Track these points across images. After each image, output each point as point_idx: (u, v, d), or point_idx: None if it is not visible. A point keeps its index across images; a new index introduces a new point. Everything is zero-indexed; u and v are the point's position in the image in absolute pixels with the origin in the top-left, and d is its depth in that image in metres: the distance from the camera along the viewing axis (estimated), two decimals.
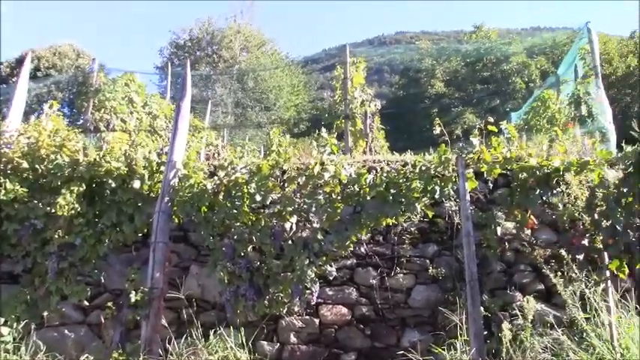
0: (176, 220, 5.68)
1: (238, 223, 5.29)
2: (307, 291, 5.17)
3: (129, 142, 6.32)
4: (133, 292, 5.13)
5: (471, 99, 39.90)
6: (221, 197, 5.32)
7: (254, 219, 5.35)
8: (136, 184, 5.51)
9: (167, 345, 5.28)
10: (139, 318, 5.15)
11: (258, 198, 5.24)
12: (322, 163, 5.18)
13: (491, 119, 5.29)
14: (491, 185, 6.06)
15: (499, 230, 5.49)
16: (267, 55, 39.02)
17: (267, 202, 5.31)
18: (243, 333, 5.32)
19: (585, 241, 5.08)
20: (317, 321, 5.73)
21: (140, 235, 5.73)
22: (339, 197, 5.23)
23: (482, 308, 5.16)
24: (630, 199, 5.07)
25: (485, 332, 5.08)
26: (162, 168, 5.61)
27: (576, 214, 5.52)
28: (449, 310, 5.39)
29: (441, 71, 43.15)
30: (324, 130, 5.39)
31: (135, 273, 5.32)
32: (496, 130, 5.28)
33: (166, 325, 5.43)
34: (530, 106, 10.86)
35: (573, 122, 8.45)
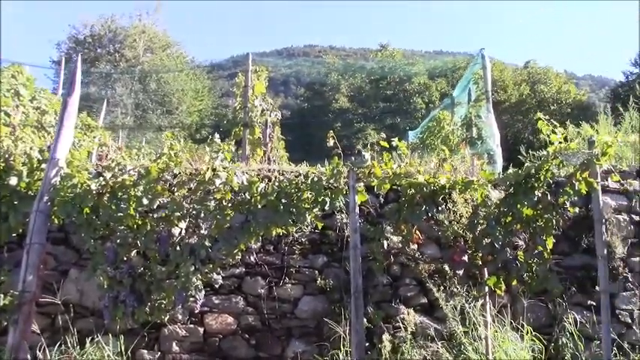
0: (56, 221, 5.41)
1: (122, 227, 5.10)
2: (191, 298, 5.07)
3: (9, 136, 5.96)
4: (1, 296, 4.83)
5: (373, 115, 40.99)
6: (106, 199, 5.12)
7: (140, 223, 5.19)
8: (13, 180, 5.20)
9: (38, 353, 5.02)
10: (6, 324, 4.85)
11: (145, 201, 5.09)
12: (214, 169, 5.11)
13: (383, 135, 5.43)
14: (382, 200, 6.22)
15: (385, 244, 5.63)
16: (172, 57, 38.13)
17: (155, 206, 5.16)
18: (122, 341, 5.15)
19: (465, 258, 5.29)
20: (201, 330, 5.64)
21: (15, 235, 5.41)
22: (229, 204, 5.17)
23: (365, 320, 5.26)
24: (510, 218, 5.34)
25: (368, 344, 5.18)
26: (44, 165, 5.33)
27: (460, 231, 5.77)
28: (335, 321, 5.47)
29: (346, 86, 44.12)
30: (217, 135, 5.32)
31: (5, 275, 5.02)
32: (388, 146, 5.42)
33: (39, 331, 5.16)
34: (427, 126, 11.28)
35: (464, 143, 8.85)
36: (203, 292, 5.15)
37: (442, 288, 5.83)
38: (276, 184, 5.26)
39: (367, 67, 44.56)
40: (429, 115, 15.19)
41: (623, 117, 11.10)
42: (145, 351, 5.48)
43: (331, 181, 5.33)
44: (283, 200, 5.19)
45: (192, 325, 5.63)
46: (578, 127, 10.26)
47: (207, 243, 5.06)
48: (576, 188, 5.14)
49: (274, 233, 5.31)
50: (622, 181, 6.52)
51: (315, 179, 5.28)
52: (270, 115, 8.99)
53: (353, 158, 5.36)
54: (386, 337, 5.06)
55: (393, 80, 42.10)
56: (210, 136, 5.49)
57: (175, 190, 5.26)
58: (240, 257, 5.57)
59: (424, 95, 39.86)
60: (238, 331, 5.66)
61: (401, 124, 36.57)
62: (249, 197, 5.21)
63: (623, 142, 9.29)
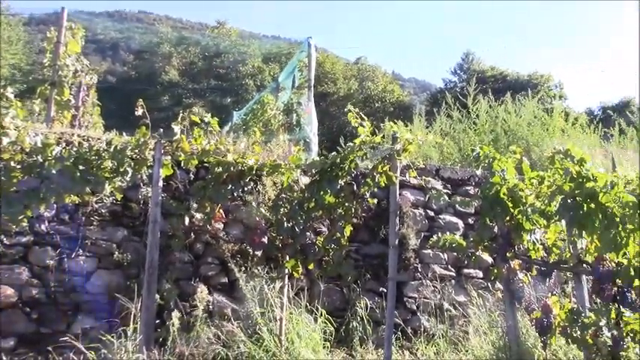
0: None
1: None
2: None
3: None
4: None
5: (203, 92, 40.43)
6: None
7: None
8: None
9: None
10: None
11: None
12: (2, 126, 4.70)
13: (191, 110, 5.35)
14: (192, 176, 6.13)
15: (187, 221, 5.57)
16: None
17: None
18: None
19: (265, 239, 5.39)
20: None
21: None
22: (18, 166, 4.79)
23: (161, 297, 5.18)
24: (313, 204, 5.52)
25: (159, 321, 5.10)
26: None
27: (267, 214, 5.87)
28: (129, 297, 5.30)
29: (178, 59, 43.01)
30: (9, 90, 4.89)
31: None
32: (199, 122, 5.35)
33: None
34: (251, 108, 11.33)
35: (284, 128, 9.02)
36: None
37: (244, 268, 5.90)
38: (74, 149, 4.97)
39: (202, 43, 43.80)
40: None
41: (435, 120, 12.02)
42: None
43: (136, 151, 5.15)
44: (81, 167, 4.91)
45: None
46: (394, 124, 10.92)
47: None
48: (376, 180, 5.44)
49: (69, 201, 5.02)
50: (421, 178, 7.05)
51: (119, 148, 5.07)
52: (85, 78, 8.47)
53: (161, 130, 5.22)
54: (175, 314, 5.00)
55: (227, 59, 41.79)
56: (21, 94, 5.03)
57: None
58: (27, 225, 5.17)
59: (257, 78, 39.99)
60: (18, 304, 5.27)
61: (231, 104, 36.42)
62: (42, 160, 4.86)
63: (430, 144, 10.09)
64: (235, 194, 5.49)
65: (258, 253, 5.44)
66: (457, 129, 11.22)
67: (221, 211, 5.62)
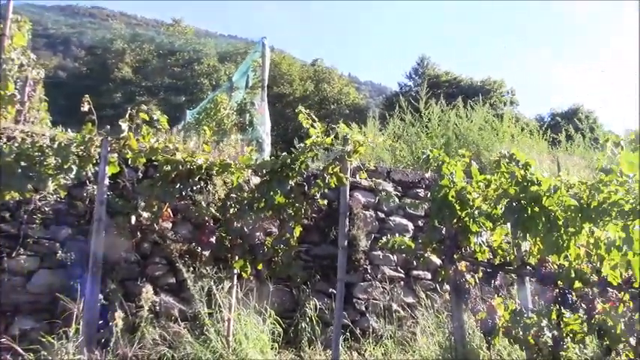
0: None
1: None
2: None
3: None
4: None
5: (157, 91, 39.88)
6: None
7: None
8: None
9: None
10: None
11: None
12: None
13: (142, 109, 5.26)
14: (141, 174, 6.03)
15: (134, 219, 5.49)
16: None
17: None
18: None
19: (213, 239, 5.34)
20: None
21: None
22: None
23: (102, 297, 5.08)
24: (262, 204, 5.50)
25: (102, 321, 5.00)
26: None
27: (217, 214, 5.82)
28: (72, 297, 5.17)
29: (132, 56, 42.33)
30: None
31: None
32: (148, 119, 5.27)
33: None
34: (204, 107, 11.24)
35: (237, 128, 8.98)
36: None
37: (192, 269, 5.83)
38: (16, 144, 4.83)
39: (157, 40, 43.23)
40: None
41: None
42: None
43: (82, 148, 5.04)
44: (23, 163, 4.78)
45: None
46: (348, 126, 10.97)
47: None
48: (327, 181, 5.46)
49: (9, 198, 4.87)
50: (372, 179, 7.10)
51: (63, 144, 4.95)
52: (31, 72, 8.24)
53: (109, 127, 5.12)
54: (119, 315, 4.90)
55: (182, 57, 41.34)
56: None
57: None
58: None
59: (212, 77, 39.63)
60: None
61: (185, 103, 36.04)
62: None
63: (383, 146, 10.18)
64: (184, 193, 5.42)
65: (206, 252, 5.39)
66: (410, 132, 11.36)
67: (169, 210, 5.55)
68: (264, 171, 5.53)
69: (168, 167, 5.32)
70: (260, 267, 5.60)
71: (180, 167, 5.31)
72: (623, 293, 4.46)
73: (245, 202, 5.44)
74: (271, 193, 5.40)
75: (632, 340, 4.30)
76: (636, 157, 4.56)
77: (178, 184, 5.32)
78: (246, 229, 5.36)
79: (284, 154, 5.44)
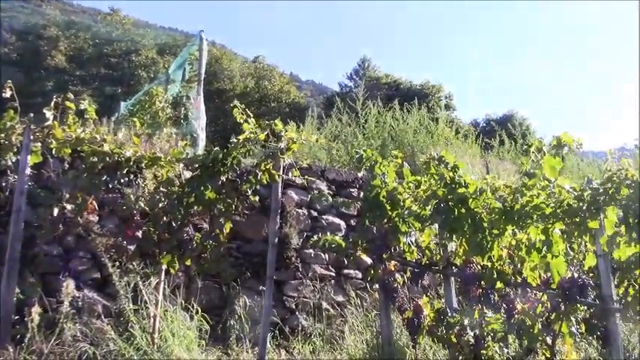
0: None
1: None
2: None
3: None
4: None
5: (92, 81, 38.85)
6: None
7: None
8: None
9: None
10: None
11: None
12: None
13: (69, 97, 5.12)
14: (67, 165, 5.85)
15: (56, 211, 5.31)
16: None
17: None
18: None
19: (139, 233, 5.24)
20: None
21: None
22: None
23: (19, 291, 4.91)
24: (192, 199, 5.43)
25: (18, 317, 4.84)
26: None
27: (145, 207, 5.71)
28: None
29: (66, 44, 41.07)
30: None
31: None
32: (74, 108, 5.13)
33: None
34: (139, 99, 11.01)
35: (171, 122, 8.84)
36: None
37: (118, 264, 5.70)
38: None
39: (93, 29, 42.08)
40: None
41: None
42: None
43: (2, 136, 4.86)
44: None
45: None
46: (285, 124, 11.00)
47: None
48: (259, 178, 5.45)
49: None
50: (304, 177, 7.11)
51: None
52: None
53: (32, 115, 4.95)
54: (36, 310, 4.75)
55: (119, 48, 40.39)
56: None
57: None
58: None
59: (150, 70, 38.75)
60: None
61: (121, 94, 35.19)
62: None
63: (320, 146, 10.24)
64: (111, 186, 5.29)
65: (132, 247, 5.29)
66: (346, 133, 11.47)
67: (94, 202, 5.40)
68: (196, 165, 5.47)
69: (95, 158, 5.19)
70: (188, 263, 5.53)
71: (108, 159, 5.19)
72: (541, 294, 4.63)
73: (174, 196, 5.36)
74: (202, 188, 5.34)
75: (549, 339, 4.47)
76: (558, 162, 4.76)
77: (105, 176, 5.19)
78: (174, 224, 5.29)
79: (216, 148, 5.40)
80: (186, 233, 5.38)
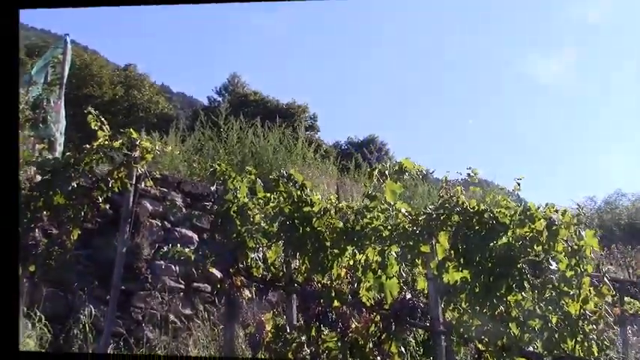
0: None
1: None
2: None
3: None
4: None
5: None
6: None
7: None
8: None
9: None
10: None
11: None
12: None
13: None
14: None
15: None
16: None
17: None
18: None
19: None
20: None
21: None
22: None
23: None
24: (40, 203, 5.37)
25: None
26: None
27: None
28: None
29: None
30: None
31: None
32: None
33: None
34: None
35: (29, 124, 8.57)
36: None
37: None
38: None
39: None
40: None
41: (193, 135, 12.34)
42: None
43: None
44: None
45: None
46: (147, 134, 11.00)
47: None
48: (110, 185, 5.51)
49: None
50: (157, 188, 7.20)
51: None
52: None
53: None
54: None
55: None
56: None
57: None
58: None
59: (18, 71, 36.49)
60: None
61: None
62: None
63: (181, 158, 10.35)
64: None
65: None
66: (208, 146, 11.64)
67: None
68: (47, 169, 5.43)
69: None
70: (32, 269, 5.45)
71: None
72: (375, 314, 5.02)
73: (21, 200, 5.29)
74: (51, 192, 5.32)
75: (379, 359, 4.84)
76: (399, 187, 5.22)
77: None
78: (20, 229, 5.21)
79: (68, 153, 5.41)
80: (33, 238, 5.32)
